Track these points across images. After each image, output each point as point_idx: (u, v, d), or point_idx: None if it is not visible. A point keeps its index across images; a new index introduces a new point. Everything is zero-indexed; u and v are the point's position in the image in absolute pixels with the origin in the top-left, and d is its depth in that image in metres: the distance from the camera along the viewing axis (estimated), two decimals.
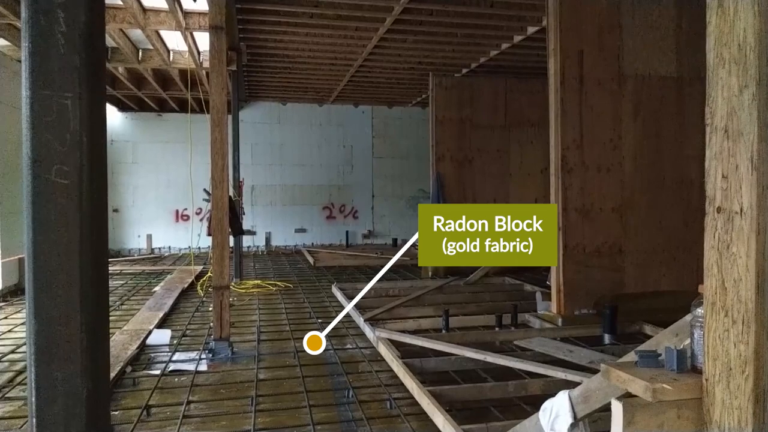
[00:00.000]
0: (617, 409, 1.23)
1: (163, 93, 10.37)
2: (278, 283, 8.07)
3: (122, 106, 11.99)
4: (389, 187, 13.21)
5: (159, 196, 12.08)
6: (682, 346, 1.42)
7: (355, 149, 13.15)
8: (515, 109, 9.29)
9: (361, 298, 6.65)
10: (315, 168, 12.90)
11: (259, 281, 8.14)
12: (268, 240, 12.65)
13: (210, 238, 4.76)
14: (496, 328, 5.25)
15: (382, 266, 9.82)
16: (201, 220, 11.41)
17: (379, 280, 8.19)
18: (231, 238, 9.00)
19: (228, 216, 4.70)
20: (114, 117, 12.26)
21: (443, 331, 5.13)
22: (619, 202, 5.47)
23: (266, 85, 10.87)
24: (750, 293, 1.16)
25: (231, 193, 8.31)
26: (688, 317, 1.56)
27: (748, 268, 1.16)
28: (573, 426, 1.98)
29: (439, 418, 3.10)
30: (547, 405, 2.07)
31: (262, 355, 4.70)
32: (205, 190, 4.82)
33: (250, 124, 12.24)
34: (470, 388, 3.67)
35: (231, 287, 7.67)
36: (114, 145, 12.17)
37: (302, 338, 5.09)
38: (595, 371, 2.83)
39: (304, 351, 4.73)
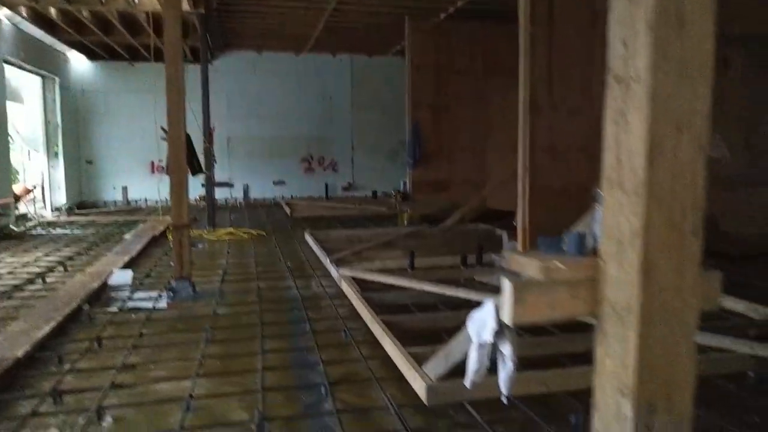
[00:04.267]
0: (507, 288, 1.19)
1: (133, 40, 10.04)
2: (252, 231, 8.01)
3: (92, 55, 11.64)
4: (369, 139, 13.05)
5: (133, 147, 11.84)
6: (585, 231, 1.38)
7: (334, 100, 12.93)
8: (494, 55, 9.11)
9: (333, 243, 6.64)
10: (293, 119, 12.68)
11: (232, 229, 8.07)
12: (246, 192, 12.53)
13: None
14: (461, 268, 5.26)
15: (361, 217, 9.82)
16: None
17: (354, 228, 8.18)
18: (203, 188, 8.80)
19: (186, 154, 4.59)
20: (84, 66, 11.92)
21: (408, 271, 5.13)
22: (588, 143, 5.42)
23: (241, 33, 10.57)
24: (641, 162, 1.11)
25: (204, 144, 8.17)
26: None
27: (642, 136, 1.11)
28: (498, 333, 1.96)
29: (387, 342, 3.11)
30: (475, 315, 2.05)
31: (224, 294, 4.68)
32: (162, 128, 4.69)
33: (225, 74, 11.96)
34: (424, 317, 3.68)
35: (203, 235, 7.63)
36: (85, 95, 11.87)
37: (269, 280, 5.11)
38: None
39: (268, 290, 4.76)
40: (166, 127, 4.59)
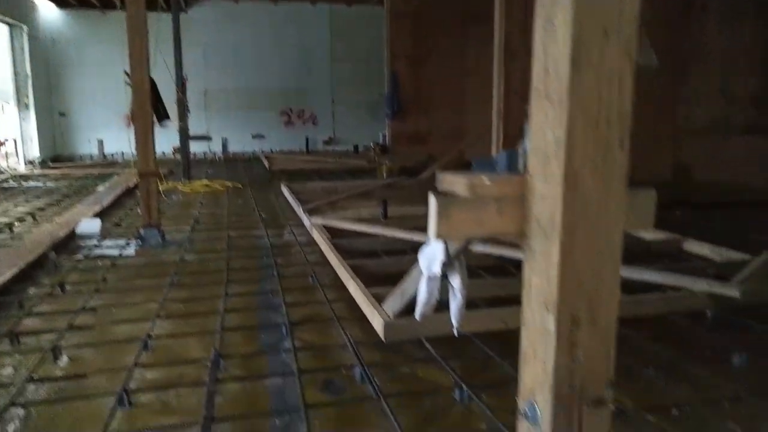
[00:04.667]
0: (432, 204, 1.16)
1: None
2: (228, 183, 7.92)
3: (61, 2, 11.20)
4: (350, 92, 12.83)
5: (108, 100, 11.54)
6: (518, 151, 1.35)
7: (314, 52, 12.64)
8: (473, 4, 8.88)
9: (309, 194, 6.59)
10: (271, 71, 12.41)
11: (207, 181, 7.97)
12: (224, 146, 12.35)
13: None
14: None
15: (341, 171, 9.74)
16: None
17: (332, 180, 8.12)
18: (179, 139, 8.64)
19: (150, 100, 4.47)
20: (53, 14, 11.49)
21: (382, 220, 5.11)
22: None
23: None
24: (565, 68, 1.06)
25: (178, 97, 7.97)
26: None
27: (567, 42, 1.06)
28: (446, 265, 1.95)
29: (351, 284, 3.11)
30: (426, 248, 2.03)
31: (194, 242, 4.65)
32: (125, 72, 4.54)
33: (201, 25, 11.61)
34: (392, 261, 3.68)
35: (177, 187, 7.54)
36: (56, 45, 11.49)
37: (240, 229, 5.07)
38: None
39: (238, 239, 4.72)
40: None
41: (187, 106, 8.16)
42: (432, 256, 2.03)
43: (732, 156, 5.92)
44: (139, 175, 4.54)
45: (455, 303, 2.01)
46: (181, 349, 2.54)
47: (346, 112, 12.91)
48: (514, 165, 1.29)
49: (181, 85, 7.88)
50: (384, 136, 9.70)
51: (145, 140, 4.46)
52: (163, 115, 4.77)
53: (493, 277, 3.34)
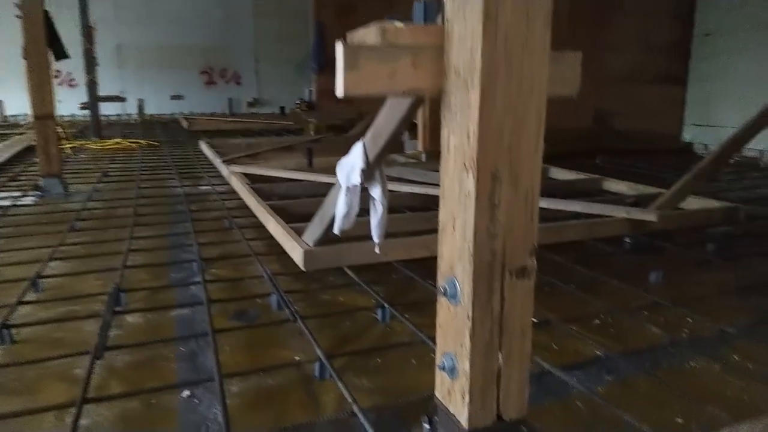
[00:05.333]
0: (339, 52, 1.01)
1: None
2: (141, 141, 7.42)
3: None
4: (275, 50, 12.27)
5: (6, 55, 10.50)
6: None
7: (235, 5, 11.94)
8: None
9: (230, 150, 6.27)
10: (190, 26, 11.67)
11: (119, 139, 7.44)
12: (140, 107, 11.59)
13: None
14: None
15: (266, 130, 9.37)
16: (60, 84, 10.25)
17: (256, 138, 7.78)
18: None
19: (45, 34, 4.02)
20: None
21: (307, 169, 4.92)
22: None
23: None
24: None
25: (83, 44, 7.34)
26: None
27: None
28: (366, 174, 1.82)
29: (270, 221, 2.93)
30: (344, 160, 1.89)
31: (101, 191, 4.29)
32: (15, 4, 4.06)
33: None
34: (314, 201, 3.50)
35: (86, 145, 6.99)
36: None
37: (153, 181, 4.73)
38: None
39: (150, 189, 4.40)
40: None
41: (96, 59, 7.54)
42: (351, 166, 1.89)
43: (648, 104, 6.11)
44: (34, 118, 4.10)
45: (376, 216, 1.88)
46: (76, 287, 2.29)
47: (271, 71, 12.39)
48: (431, 17, 1.16)
49: (87, 34, 7.25)
50: (310, 92, 9.38)
51: (39, 78, 4.02)
52: (60, 54, 4.32)
53: (423, 212, 3.24)
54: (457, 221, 1.08)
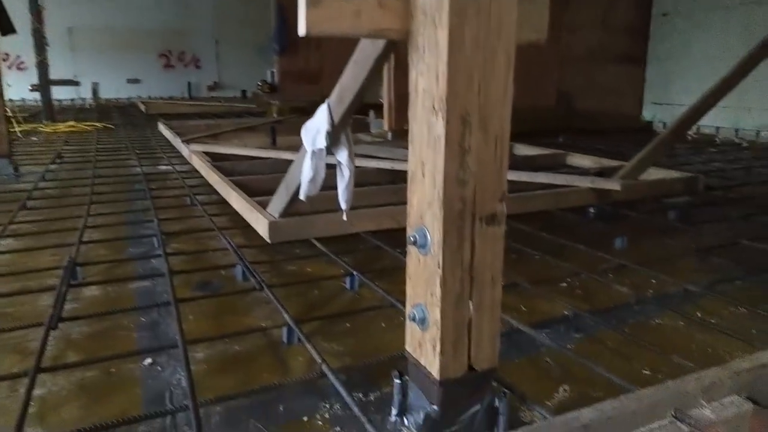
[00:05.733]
0: None
1: None
2: (96, 123, 7.17)
3: None
4: (235, 32, 12.00)
5: None
6: None
7: None
8: None
9: (190, 131, 6.11)
10: (146, 8, 11.31)
11: (74, 122, 7.17)
12: (95, 91, 11.21)
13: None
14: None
15: (228, 114, 9.17)
16: (9, 67, 9.83)
17: (217, 120, 7.60)
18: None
19: None
20: None
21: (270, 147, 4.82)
22: None
23: None
24: None
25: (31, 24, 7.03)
26: None
27: None
28: (332, 137, 1.77)
29: (233, 196, 2.85)
30: (309, 123, 1.84)
31: (55, 172, 4.12)
32: None
33: None
34: (277, 177, 3.43)
35: (38, 128, 6.72)
36: None
37: (110, 161, 4.57)
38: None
39: (107, 170, 4.25)
40: None
41: (46, 38, 7.22)
42: (316, 129, 1.84)
43: (609, 84, 6.20)
44: None
45: (343, 181, 1.84)
46: (29, 263, 2.19)
47: (232, 54, 12.13)
48: None
49: (36, 12, 6.93)
50: (273, 74, 9.19)
51: None
52: (6, 27, 4.10)
53: (392, 185, 3.22)
54: (426, 167, 1.05)
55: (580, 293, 1.93)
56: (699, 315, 1.74)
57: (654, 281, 2.00)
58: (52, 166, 4.35)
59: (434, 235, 1.05)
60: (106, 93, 11.30)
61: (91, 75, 11.11)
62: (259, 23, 11.56)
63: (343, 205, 1.84)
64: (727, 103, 3.38)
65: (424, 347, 1.12)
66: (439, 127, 1.00)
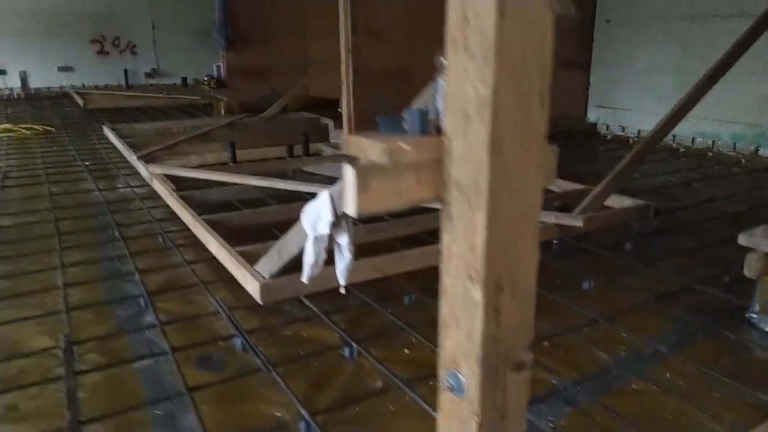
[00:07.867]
0: (350, 175, 1.03)
1: None
2: (36, 126, 6.81)
3: None
4: (173, 16, 11.47)
5: None
6: (427, 107, 1.28)
7: None
8: None
9: (140, 137, 5.93)
10: None
11: (9, 125, 6.77)
12: (24, 81, 10.54)
13: None
14: (288, 159, 5.05)
15: (170, 107, 8.89)
16: None
17: (162, 119, 7.38)
18: None
19: None
20: None
21: (230, 165, 4.79)
22: (408, 26, 5.31)
23: None
24: (490, 18, 0.96)
25: None
26: None
27: None
28: (334, 224, 1.85)
29: (213, 244, 2.87)
30: (309, 207, 1.90)
31: (6, 202, 3.94)
32: None
33: None
34: (252, 213, 3.46)
35: None
36: None
37: (63, 183, 4.40)
38: None
39: (63, 195, 4.11)
40: None
41: None
42: (318, 215, 1.90)
43: (556, 87, 6.41)
44: None
45: (343, 262, 1.93)
46: (20, 338, 2.15)
47: (170, 39, 11.62)
48: (425, 124, 1.20)
49: None
50: (219, 68, 8.93)
51: None
52: None
53: (364, 223, 3.29)
54: (461, 323, 1.16)
55: (562, 355, 2.09)
56: (668, 376, 1.95)
57: (624, 335, 2.20)
58: (1, 192, 4.16)
59: (470, 383, 1.16)
60: (37, 82, 10.65)
61: (18, 63, 10.42)
62: (197, 4, 11.07)
63: (342, 282, 1.94)
64: (665, 110, 3.64)
65: None
66: (476, 294, 1.10)
